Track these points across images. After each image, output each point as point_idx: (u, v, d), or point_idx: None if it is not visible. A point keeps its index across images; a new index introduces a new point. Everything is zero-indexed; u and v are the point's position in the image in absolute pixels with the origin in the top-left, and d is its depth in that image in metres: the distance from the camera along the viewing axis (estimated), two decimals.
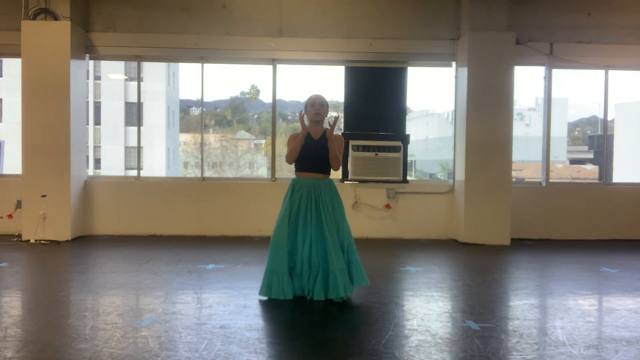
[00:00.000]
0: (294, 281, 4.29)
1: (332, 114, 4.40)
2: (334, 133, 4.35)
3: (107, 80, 29.78)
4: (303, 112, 4.47)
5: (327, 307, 4.06)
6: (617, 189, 7.82)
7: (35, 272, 5.41)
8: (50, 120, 6.92)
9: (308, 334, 3.56)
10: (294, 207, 4.29)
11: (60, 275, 5.21)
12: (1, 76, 25.96)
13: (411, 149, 7.36)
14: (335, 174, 4.51)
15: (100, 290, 4.53)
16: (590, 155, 28.47)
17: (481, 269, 5.65)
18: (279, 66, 7.70)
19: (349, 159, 7.44)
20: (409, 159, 7.69)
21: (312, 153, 4.34)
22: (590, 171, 24.50)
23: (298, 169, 4.41)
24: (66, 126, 6.95)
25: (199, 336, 3.36)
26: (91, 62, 10.10)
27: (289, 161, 4.40)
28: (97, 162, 29.45)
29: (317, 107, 4.41)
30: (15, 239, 6.96)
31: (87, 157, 8.96)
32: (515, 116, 7.44)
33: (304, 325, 3.72)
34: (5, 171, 12.71)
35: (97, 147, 29.50)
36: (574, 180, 18.56)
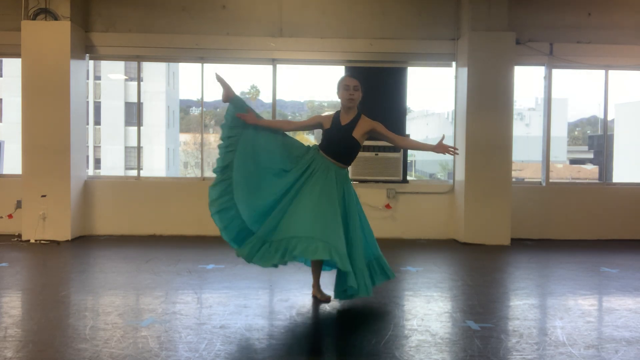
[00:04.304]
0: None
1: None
2: (372, 123, 4.17)
3: (107, 80, 29.81)
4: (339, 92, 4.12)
5: (327, 307, 4.06)
6: (617, 189, 7.82)
7: (35, 272, 5.41)
8: (50, 120, 6.92)
9: (308, 334, 3.56)
10: (299, 165, 4.00)
11: (60, 275, 5.21)
12: (1, 76, 25.99)
13: None
14: None
15: (100, 290, 4.53)
16: (590, 155, 28.53)
17: (481, 269, 5.65)
18: (279, 66, 7.70)
19: None
20: (409, 159, 7.69)
21: (336, 139, 4.05)
22: (590, 171, 24.53)
23: (321, 147, 4.10)
24: (66, 126, 6.95)
25: (199, 336, 3.36)
26: (91, 62, 10.13)
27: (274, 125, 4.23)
28: (97, 162, 29.48)
29: (351, 91, 4.08)
30: (15, 239, 6.96)
31: (87, 157, 8.96)
32: (515, 116, 7.44)
33: (303, 325, 3.71)
34: (5, 171, 12.73)
35: (97, 147, 29.52)
36: (574, 180, 18.59)
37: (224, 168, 4.07)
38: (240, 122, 4.11)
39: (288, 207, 3.92)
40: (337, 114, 4.19)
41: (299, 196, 3.94)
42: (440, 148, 4.04)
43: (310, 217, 3.79)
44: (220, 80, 4.22)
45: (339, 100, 4.19)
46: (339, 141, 4.06)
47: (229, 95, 4.19)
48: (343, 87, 4.12)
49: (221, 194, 4.08)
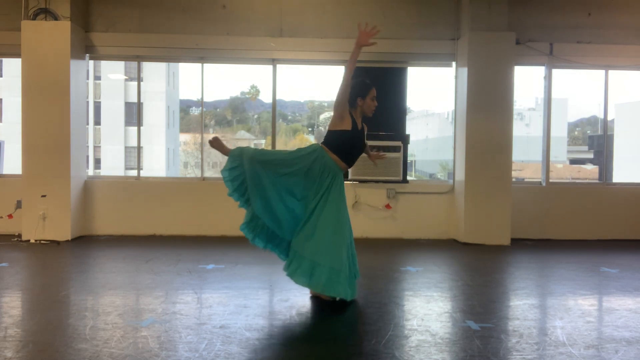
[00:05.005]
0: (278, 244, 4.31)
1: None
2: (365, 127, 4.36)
3: (107, 80, 29.79)
4: (362, 103, 4.18)
5: (327, 307, 4.06)
6: (617, 189, 7.82)
7: (35, 272, 5.41)
8: (50, 120, 6.92)
9: (308, 334, 3.56)
10: (319, 183, 4.07)
11: (60, 275, 5.21)
12: (1, 76, 25.99)
13: (411, 149, 7.36)
14: None
15: (100, 290, 4.53)
16: (590, 155, 28.50)
17: (481, 269, 5.65)
18: (279, 66, 7.71)
19: None
20: (409, 159, 7.69)
21: (354, 143, 4.13)
22: (590, 171, 24.52)
23: (332, 148, 4.09)
24: (66, 126, 6.95)
25: (199, 336, 3.36)
26: (91, 62, 10.13)
27: (344, 97, 4.04)
28: (97, 162, 29.46)
29: (376, 103, 4.24)
30: (15, 239, 6.96)
31: (87, 157, 8.96)
32: (515, 116, 7.44)
33: (304, 325, 3.72)
34: (5, 171, 12.72)
35: (97, 147, 29.51)
36: (574, 180, 18.57)
37: (253, 218, 4.43)
38: (238, 161, 4.29)
39: (312, 216, 4.08)
40: (352, 116, 4.16)
41: (319, 207, 4.05)
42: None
43: (330, 240, 3.98)
44: (216, 147, 4.48)
45: (359, 105, 4.21)
46: (357, 146, 4.19)
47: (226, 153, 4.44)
48: (372, 97, 4.23)
49: (251, 228, 4.45)
